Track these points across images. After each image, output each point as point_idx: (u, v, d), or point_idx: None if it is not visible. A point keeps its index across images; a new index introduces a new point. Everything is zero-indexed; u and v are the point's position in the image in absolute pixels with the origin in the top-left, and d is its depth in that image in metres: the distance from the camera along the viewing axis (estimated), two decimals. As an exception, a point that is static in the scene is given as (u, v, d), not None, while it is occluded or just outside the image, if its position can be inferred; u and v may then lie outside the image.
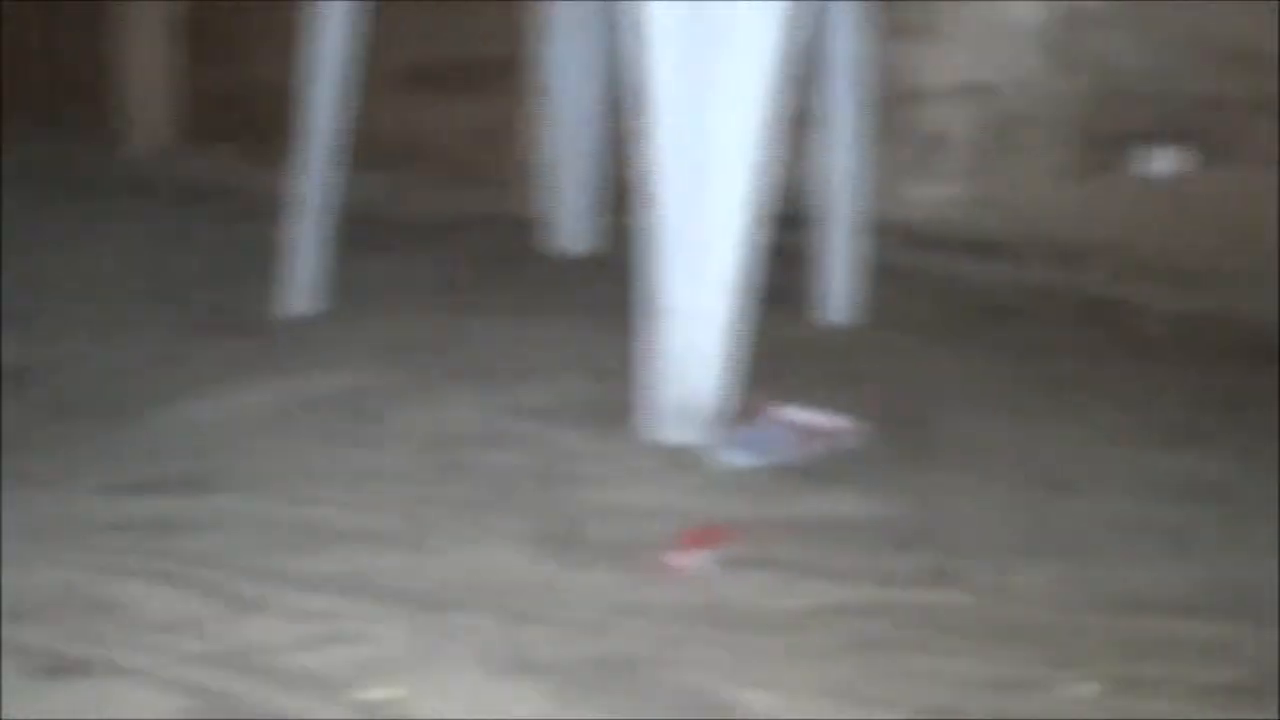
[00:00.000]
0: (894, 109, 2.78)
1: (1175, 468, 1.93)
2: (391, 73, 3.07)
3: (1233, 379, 2.33)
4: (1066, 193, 2.71)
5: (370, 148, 2.91)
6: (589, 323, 2.00)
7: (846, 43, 2.29)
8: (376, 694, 1.26)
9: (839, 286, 2.39)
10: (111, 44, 3.11)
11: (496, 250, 2.71)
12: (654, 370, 1.84)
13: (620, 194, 2.33)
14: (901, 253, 2.73)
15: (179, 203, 2.96)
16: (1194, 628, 1.49)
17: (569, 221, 2.57)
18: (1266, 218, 2.63)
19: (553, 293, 2.45)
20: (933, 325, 2.45)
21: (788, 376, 2.10)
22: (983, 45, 2.70)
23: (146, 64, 3.11)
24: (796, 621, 1.44)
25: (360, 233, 2.70)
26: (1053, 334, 2.46)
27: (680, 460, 1.80)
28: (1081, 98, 2.68)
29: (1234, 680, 1.39)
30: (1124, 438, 2.03)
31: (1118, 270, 2.68)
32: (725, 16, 1.76)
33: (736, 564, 1.55)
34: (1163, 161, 2.65)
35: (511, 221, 2.83)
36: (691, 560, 1.54)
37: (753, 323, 2.15)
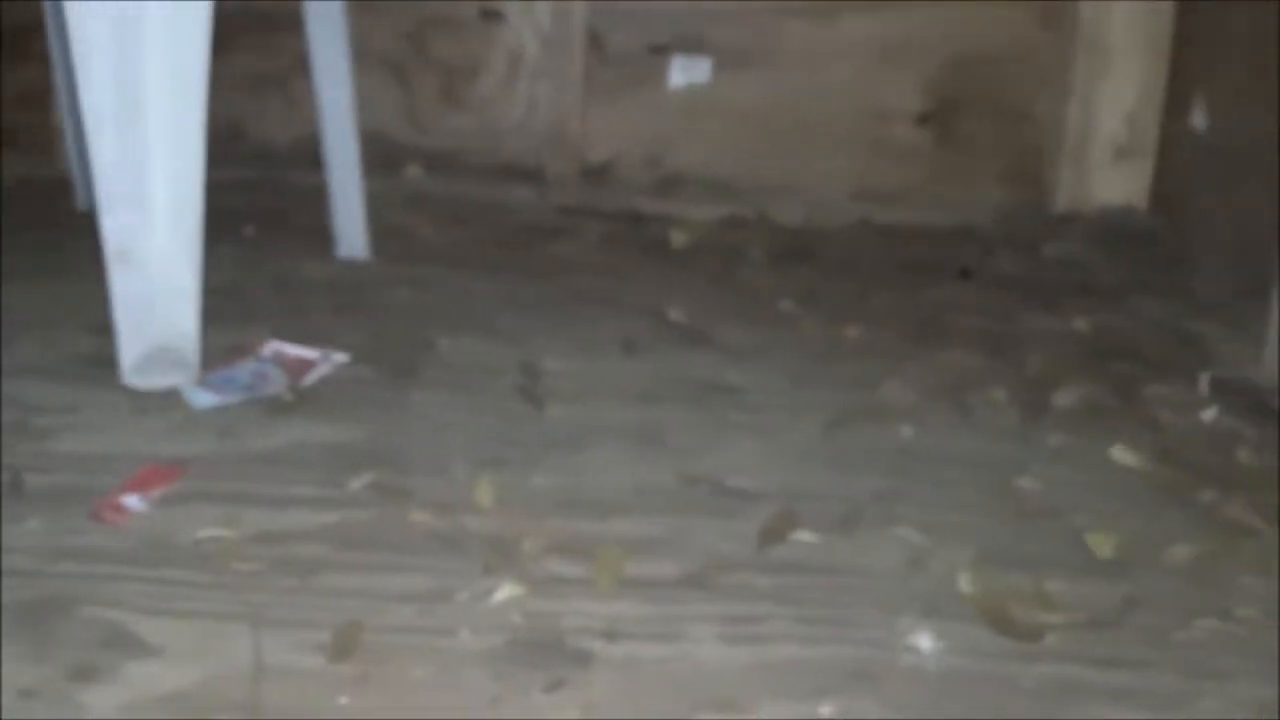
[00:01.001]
0: (414, 40, 2.76)
1: (683, 372, 1.94)
2: None
3: (756, 280, 2.37)
4: (592, 111, 2.72)
5: None
6: (100, 277, 1.93)
7: None
8: None
9: (351, 222, 2.35)
10: None
11: (29, 213, 2.61)
12: (121, 317, 1.78)
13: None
14: (429, 183, 2.71)
15: None
16: (640, 526, 1.48)
17: (88, 181, 2.48)
18: (789, 121, 2.69)
19: (72, 250, 2.36)
20: (454, 254, 2.41)
21: (289, 313, 2.06)
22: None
23: None
24: (228, 551, 1.41)
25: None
26: (577, 253, 2.45)
27: (152, 406, 1.74)
28: (597, 16, 2.68)
29: (672, 574, 1.40)
30: (634, 346, 2.03)
31: (647, 184, 2.71)
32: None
33: (180, 501, 1.50)
34: (685, 73, 2.67)
35: (47, 184, 2.73)
36: (134, 502, 1.50)
37: (260, 262, 2.13)
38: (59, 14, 2.46)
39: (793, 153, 2.68)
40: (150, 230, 1.75)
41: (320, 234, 2.37)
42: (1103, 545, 1.50)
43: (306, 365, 1.85)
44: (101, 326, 1.82)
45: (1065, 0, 2.63)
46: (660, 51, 2.67)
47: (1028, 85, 2.69)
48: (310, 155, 2.45)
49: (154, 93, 1.73)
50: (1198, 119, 2.52)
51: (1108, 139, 2.65)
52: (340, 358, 1.88)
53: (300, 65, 2.36)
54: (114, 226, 1.75)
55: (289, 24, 2.41)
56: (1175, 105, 2.60)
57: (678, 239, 2.50)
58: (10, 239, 2.43)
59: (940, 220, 2.61)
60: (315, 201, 2.41)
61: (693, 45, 2.67)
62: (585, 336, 2.04)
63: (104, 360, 1.81)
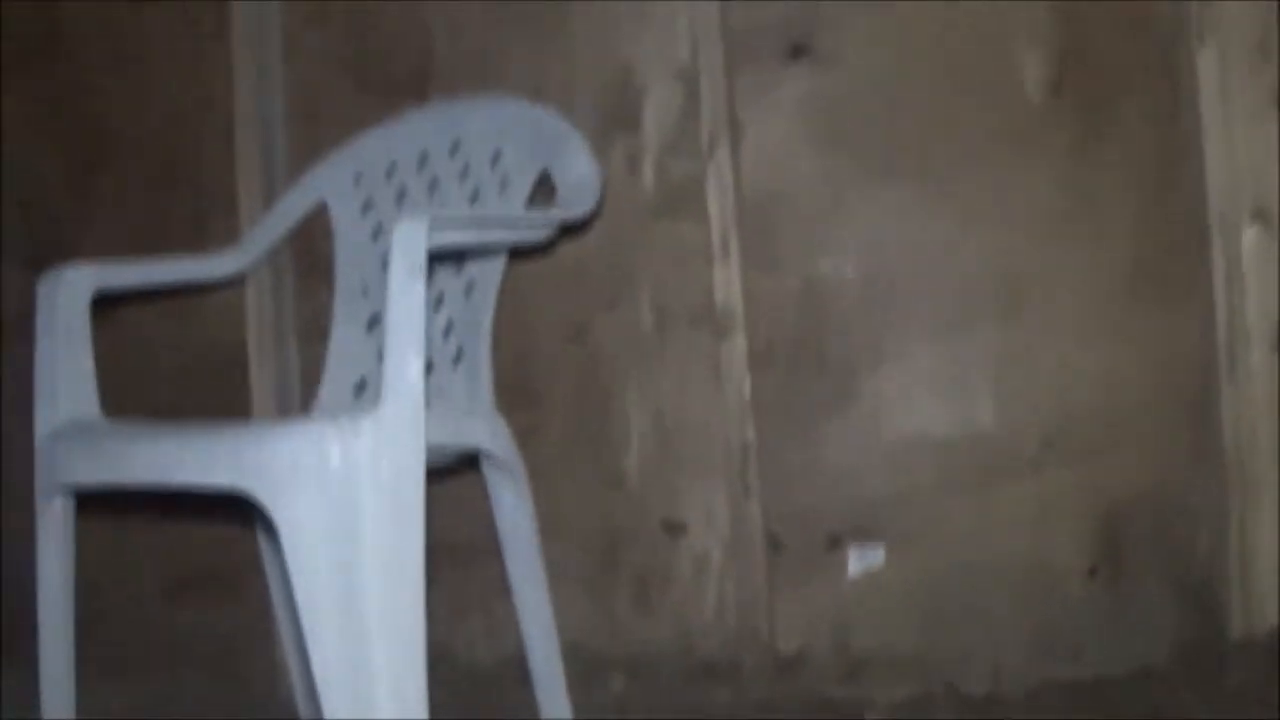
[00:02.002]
0: (605, 556, 2.95)
1: None
2: (152, 584, 3.19)
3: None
4: (778, 606, 2.84)
5: (139, 658, 3.01)
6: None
7: (512, 516, 2.44)
8: None
9: None
10: None
11: None
12: None
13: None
14: (629, 691, 2.85)
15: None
16: None
17: (317, 715, 2.64)
18: (964, 591, 2.79)
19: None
20: None
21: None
22: (679, 486, 2.88)
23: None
24: None
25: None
26: None
27: None
28: (772, 518, 2.84)
29: None
30: None
31: (837, 670, 2.80)
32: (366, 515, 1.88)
33: None
34: (861, 560, 2.81)
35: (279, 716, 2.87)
36: None
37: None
38: (275, 556, 2.68)
39: (971, 621, 2.76)
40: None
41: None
42: None
43: None
44: None
45: (1212, 435, 2.75)
46: (836, 543, 2.80)
47: (1187, 521, 2.79)
48: (516, 673, 2.59)
49: (377, 652, 1.87)
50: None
51: (1269, 563, 2.75)
52: None
53: (499, 588, 2.51)
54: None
55: (485, 551, 2.60)
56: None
57: (873, 721, 2.59)
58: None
59: (1121, 667, 2.68)
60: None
61: (865, 533, 2.79)
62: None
63: None
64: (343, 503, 1.86)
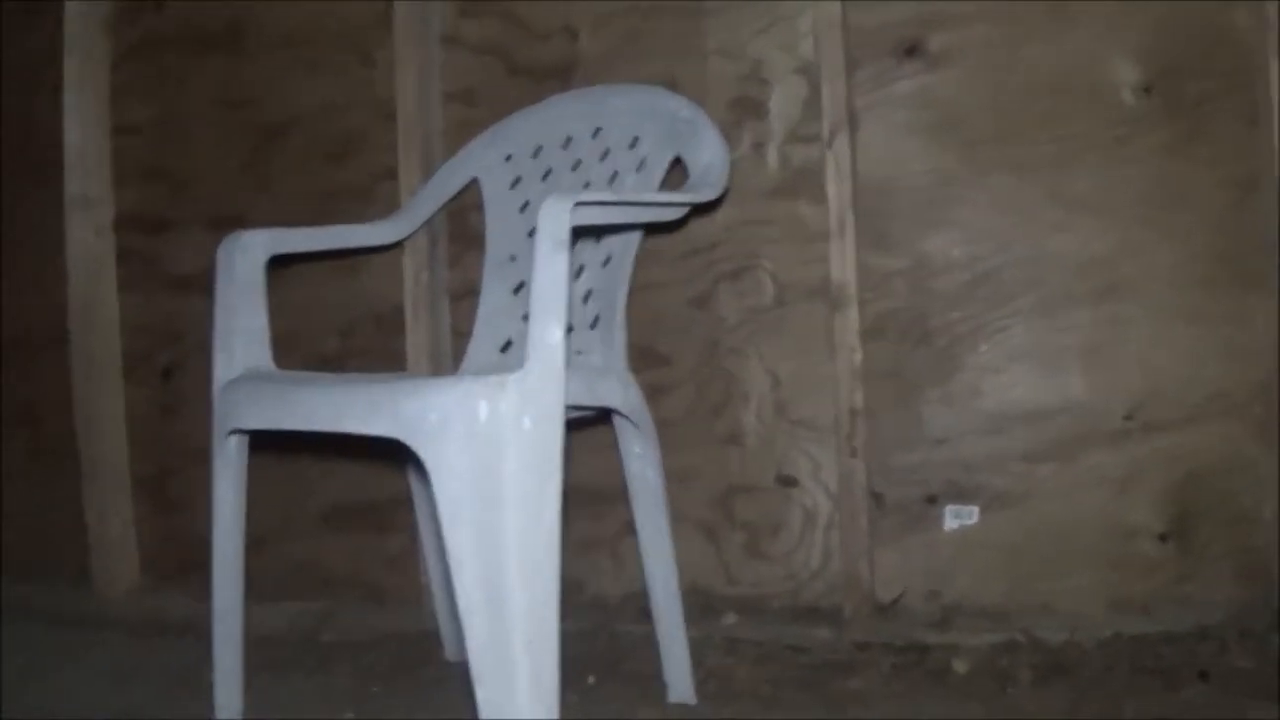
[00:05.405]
0: (723, 506, 3.18)
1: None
2: (311, 515, 3.44)
3: (1024, 700, 2.64)
4: (878, 556, 3.04)
5: (299, 579, 3.27)
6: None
7: (640, 466, 2.63)
8: None
9: (677, 668, 2.66)
10: (82, 500, 3.46)
11: (401, 663, 2.98)
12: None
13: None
14: (741, 628, 3.05)
15: (142, 636, 3.25)
16: None
17: (457, 635, 2.73)
18: (1047, 550, 3.00)
19: (442, 698, 2.72)
20: (764, 694, 2.72)
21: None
22: (792, 444, 3.09)
23: (113, 515, 3.48)
24: None
25: (288, 654, 3.02)
26: (869, 685, 2.75)
27: None
28: (875, 476, 3.05)
29: None
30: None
31: (929, 617, 3.00)
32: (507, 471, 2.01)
33: None
34: (956, 518, 3.03)
35: (417, 637, 3.10)
36: None
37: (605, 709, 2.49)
38: (424, 492, 2.88)
39: (1053, 577, 2.95)
40: (515, 702, 1.98)
41: (652, 680, 2.69)
42: None
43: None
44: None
45: (1276, 418, 2.90)
46: (933, 501, 3.00)
47: (1250, 495, 2.92)
48: (638, 608, 2.80)
49: (514, 587, 1.99)
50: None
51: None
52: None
53: (626, 529, 2.70)
54: (486, 699, 1.99)
55: (615, 495, 2.80)
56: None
57: (958, 666, 2.79)
58: (384, 688, 2.79)
59: (1182, 624, 2.84)
60: (645, 650, 2.75)
61: (960, 493, 2.99)
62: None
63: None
64: (488, 453, 1.95)
